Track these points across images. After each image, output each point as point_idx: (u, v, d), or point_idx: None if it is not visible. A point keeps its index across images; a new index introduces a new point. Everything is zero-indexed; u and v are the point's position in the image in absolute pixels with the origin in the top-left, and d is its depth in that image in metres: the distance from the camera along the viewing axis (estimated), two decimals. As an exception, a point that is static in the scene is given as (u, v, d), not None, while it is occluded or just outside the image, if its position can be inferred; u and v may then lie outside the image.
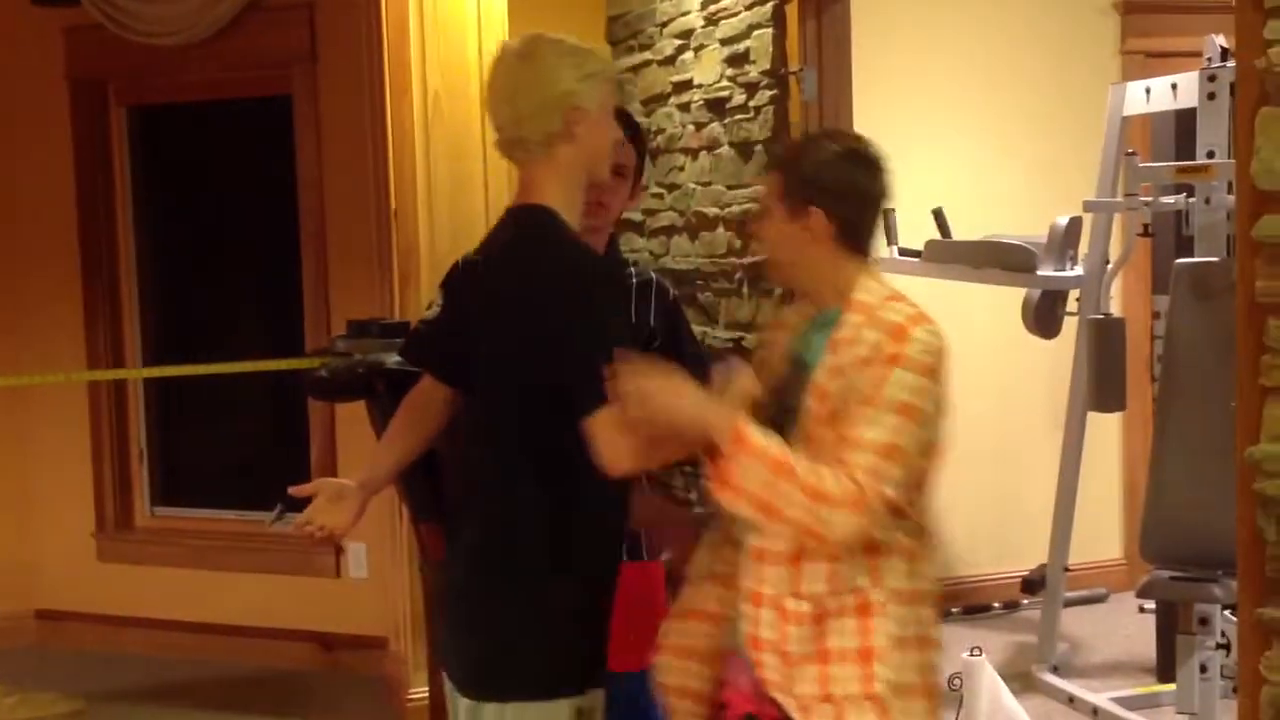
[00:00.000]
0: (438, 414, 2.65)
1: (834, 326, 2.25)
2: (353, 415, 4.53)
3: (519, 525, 2.33)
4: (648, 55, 5.23)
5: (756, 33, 4.36)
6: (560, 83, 2.27)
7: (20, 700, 2.66)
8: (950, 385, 2.20)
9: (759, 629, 2.25)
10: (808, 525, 2.11)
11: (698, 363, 3.07)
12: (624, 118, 3.06)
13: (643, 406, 2.14)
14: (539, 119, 2.28)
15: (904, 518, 2.19)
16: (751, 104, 4.42)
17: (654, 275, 3.10)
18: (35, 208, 5.61)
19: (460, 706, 2.41)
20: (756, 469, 2.10)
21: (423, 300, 4.46)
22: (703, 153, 4.81)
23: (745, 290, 4.56)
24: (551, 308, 2.24)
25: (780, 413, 2.26)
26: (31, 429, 5.65)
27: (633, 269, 3.08)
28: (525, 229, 2.35)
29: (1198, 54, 4.27)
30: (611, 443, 2.20)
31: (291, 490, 2.81)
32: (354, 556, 5.23)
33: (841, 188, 2.26)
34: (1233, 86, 3.74)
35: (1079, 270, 4.66)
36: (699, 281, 4.88)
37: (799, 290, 2.40)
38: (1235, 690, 2.78)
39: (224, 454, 5.87)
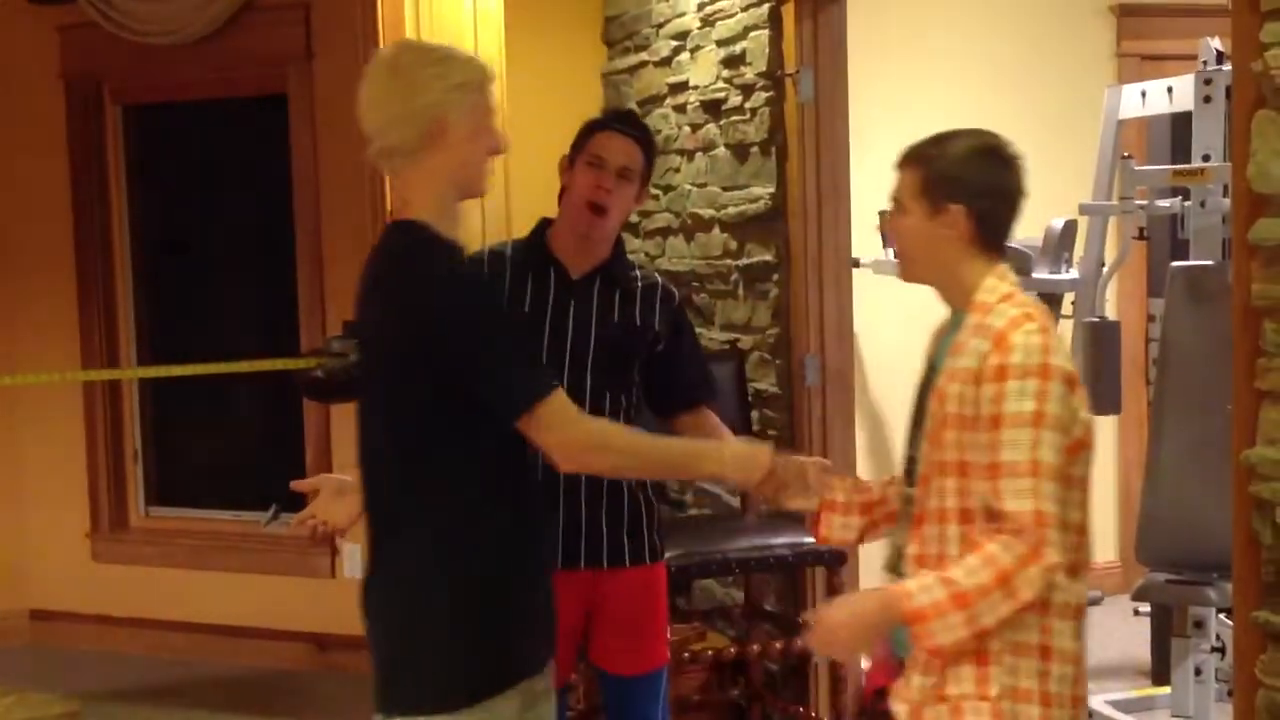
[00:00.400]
0: None
1: (960, 329, 2.27)
2: (348, 416, 4.50)
3: (398, 536, 2.32)
4: (644, 56, 5.23)
5: (753, 34, 4.36)
6: (426, 93, 2.25)
7: (17, 701, 2.65)
8: (1071, 370, 2.20)
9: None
10: (1015, 608, 2.14)
11: (699, 368, 3.07)
12: (630, 120, 3.06)
13: (837, 643, 2.21)
14: (404, 129, 2.26)
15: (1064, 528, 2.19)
16: (748, 105, 4.43)
17: (659, 279, 3.09)
18: (30, 206, 5.60)
19: None
20: (948, 621, 2.12)
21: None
22: (699, 154, 4.81)
23: (741, 292, 4.56)
24: (434, 326, 2.22)
25: (918, 415, 2.34)
26: (26, 429, 5.64)
27: (638, 272, 3.08)
28: (395, 248, 2.34)
29: (1193, 57, 4.27)
30: (563, 433, 2.25)
31: (293, 485, 2.82)
32: (349, 557, 5.22)
33: (982, 184, 2.26)
34: (1228, 90, 3.73)
35: (1074, 273, 4.66)
36: (694, 283, 4.88)
37: (935, 290, 2.39)
38: (1230, 694, 2.78)
39: (219, 454, 5.86)
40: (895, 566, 2.42)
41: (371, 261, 2.38)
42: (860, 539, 2.54)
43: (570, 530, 2.93)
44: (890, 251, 5.18)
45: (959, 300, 2.29)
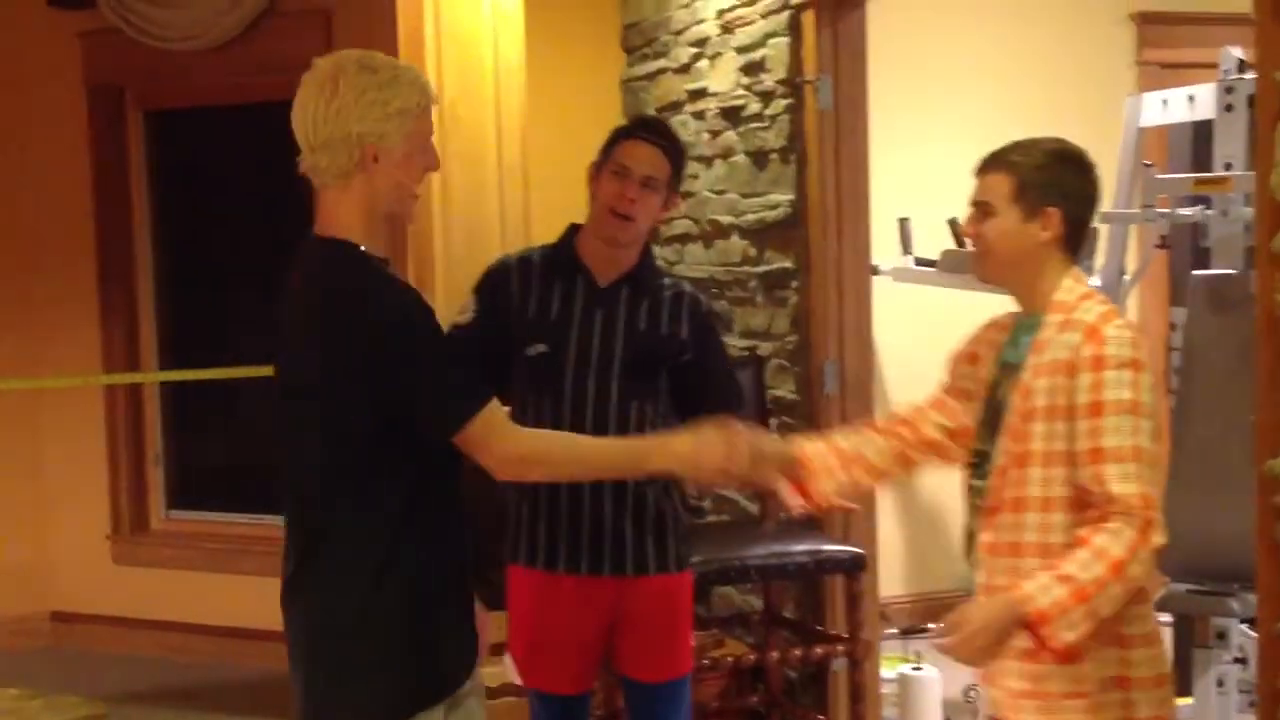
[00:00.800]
0: None
1: (1038, 328, 2.35)
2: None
3: (320, 554, 2.31)
4: (663, 63, 5.23)
5: (772, 41, 4.36)
6: (358, 121, 2.21)
7: (44, 704, 2.67)
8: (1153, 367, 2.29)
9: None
10: (1130, 590, 2.22)
11: (724, 378, 3.07)
12: (656, 128, 3.05)
13: (974, 652, 2.23)
14: (333, 153, 2.24)
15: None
16: (767, 112, 4.43)
17: (688, 288, 3.10)
18: (53, 212, 5.63)
19: None
20: (1071, 618, 2.18)
21: (438, 307, 4.46)
22: (718, 161, 4.81)
23: (759, 299, 4.56)
24: (366, 345, 2.21)
25: (991, 411, 2.41)
26: (47, 432, 5.67)
27: (667, 280, 3.08)
28: (326, 267, 2.33)
29: (1214, 65, 4.25)
30: (498, 447, 2.24)
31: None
32: (367, 562, 5.24)
33: (1074, 188, 2.37)
34: (1250, 98, 3.73)
35: (1095, 282, 4.63)
36: (713, 290, 4.88)
37: (1011, 291, 2.45)
38: (1253, 705, 2.77)
39: (239, 458, 5.88)
40: (969, 555, 2.47)
41: (299, 278, 2.37)
42: (848, 493, 2.60)
43: (594, 538, 2.94)
44: (911, 259, 5.18)
45: (1036, 302, 2.38)
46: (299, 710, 2.36)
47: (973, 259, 2.49)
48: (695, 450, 2.36)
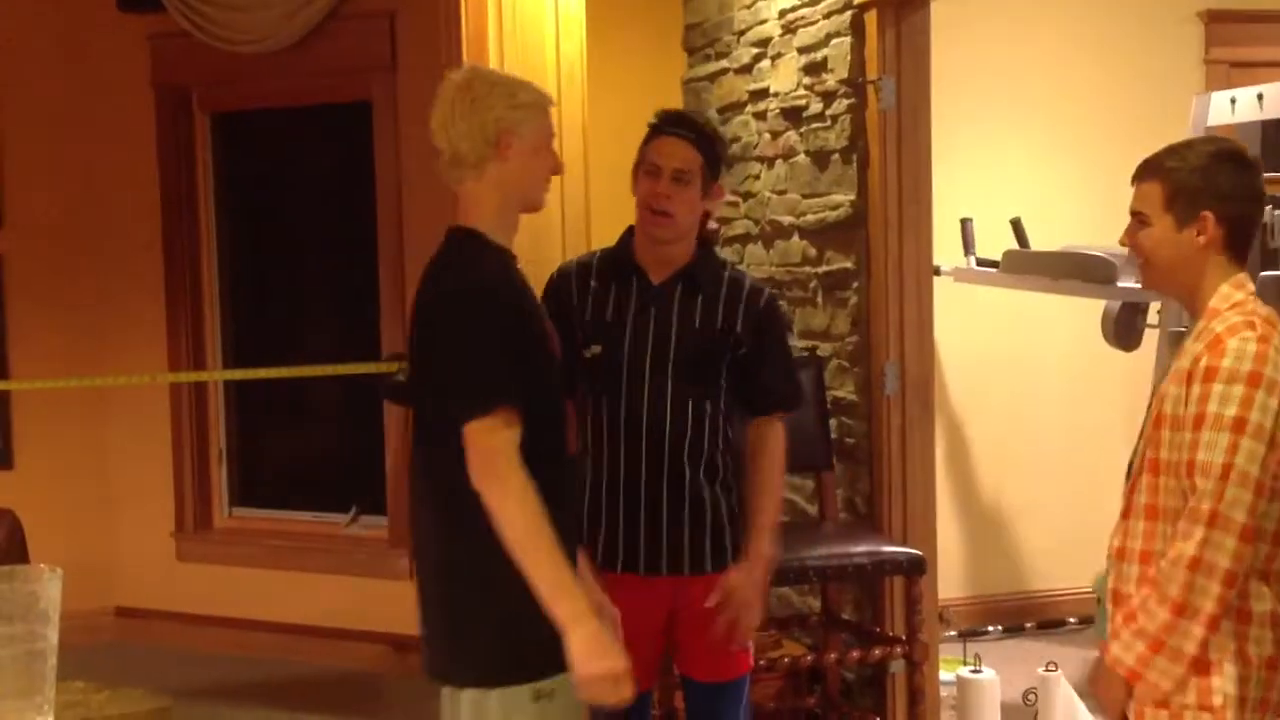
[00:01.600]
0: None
1: (1193, 335, 2.32)
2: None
3: (462, 519, 2.37)
4: (725, 63, 5.23)
5: (835, 41, 4.35)
6: (492, 109, 2.47)
7: (110, 697, 2.71)
8: None
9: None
10: (1210, 620, 2.19)
11: (779, 373, 3.05)
12: (682, 121, 3.01)
13: (1110, 708, 2.30)
14: (472, 139, 2.48)
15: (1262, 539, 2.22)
16: (829, 113, 4.41)
17: (748, 281, 3.06)
18: (120, 212, 5.71)
19: (443, 695, 2.50)
20: (1157, 667, 2.21)
21: (499, 306, 4.48)
22: (778, 161, 4.80)
23: (820, 299, 4.54)
24: (427, 326, 2.45)
25: (1147, 417, 2.40)
26: (113, 429, 5.75)
27: (728, 273, 3.06)
28: (442, 251, 2.55)
29: (1284, 63, 4.21)
30: (481, 455, 2.31)
31: None
32: (428, 560, 5.27)
33: (1229, 190, 2.29)
34: (1321, 97, 3.69)
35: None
36: (773, 290, 4.87)
37: (1176, 298, 2.47)
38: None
39: (301, 456, 5.94)
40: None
41: (426, 265, 2.57)
42: None
43: (651, 537, 2.94)
44: (972, 259, 5.15)
45: (1198, 307, 2.32)
46: (435, 665, 2.59)
47: (1138, 269, 2.48)
48: (600, 649, 2.30)
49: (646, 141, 2.99)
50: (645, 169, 2.95)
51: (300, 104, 5.63)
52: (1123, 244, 2.44)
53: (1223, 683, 2.22)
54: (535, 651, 2.36)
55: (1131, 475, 2.36)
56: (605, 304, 2.97)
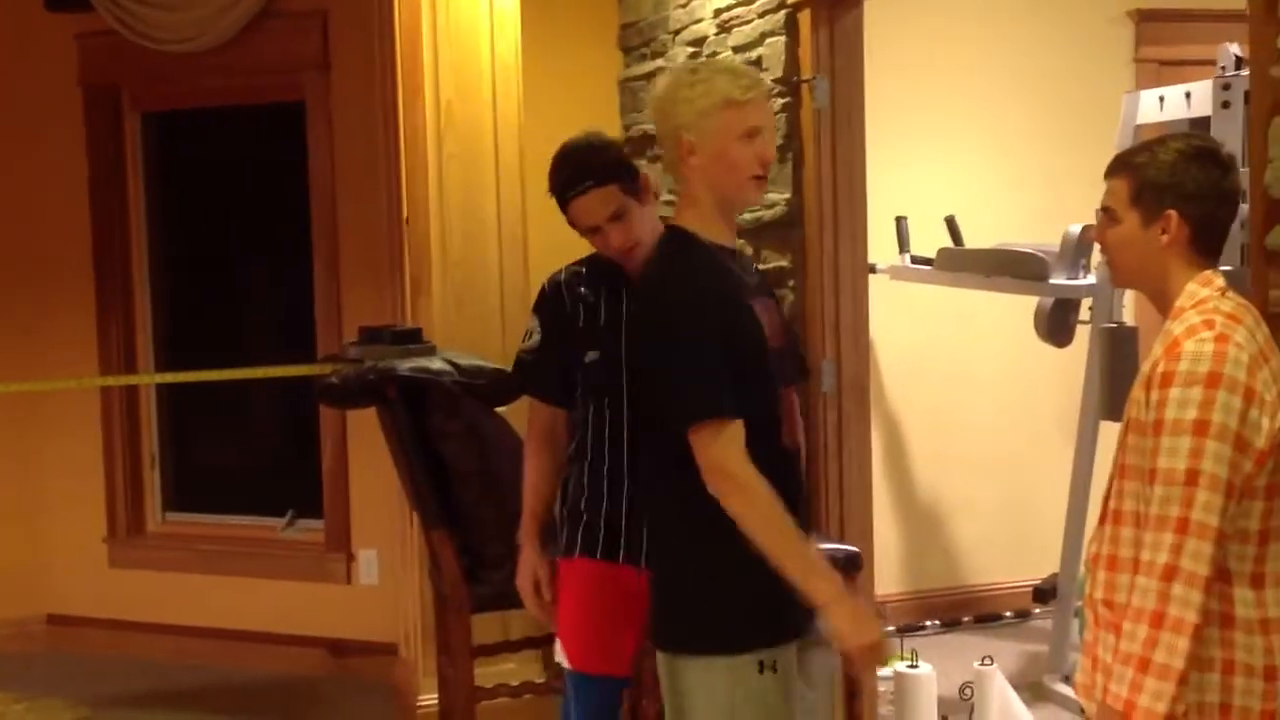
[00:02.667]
0: (564, 436, 3.09)
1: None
2: (364, 421, 4.53)
3: (696, 501, 2.48)
4: (660, 63, 5.23)
5: (769, 40, 4.36)
6: (674, 118, 2.55)
7: (28, 707, 2.67)
8: (1248, 381, 2.12)
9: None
10: (1190, 632, 2.11)
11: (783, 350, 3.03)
12: (582, 173, 2.94)
13: None
14: (665, 147, 2.62)
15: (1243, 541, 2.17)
16: (764, 112, 4.42)
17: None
18: (49, 213, 5.63)
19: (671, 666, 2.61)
20: (1149, 690, 2.11)
21: (435, 304, 4.46)
22: (715, 160, 4.80)
23: (757, 298, 4.55)
24: (646, 327, 2.57)
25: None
26: (44, 434, 5.67)
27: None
28: (657, 249, 2.66)
29: (1211, 62, 4.25)
30: (718, 452, 2.42)
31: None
32: (365, 563, 5.24)
33: (1196, 188, 2.23)
34: (1247, 95, 3.73)
35: (1091, 278, 4.64)
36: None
37: (1147, 296, 2.37)
38: None
39: (236, 460, 5.88)
40: None
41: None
42: None
43: (611, 526, 3.00)
44: (907, 257, 5.17)
45: (1166, 306, 2.27)
46: (663, 636, 2.69)
47: (1106, 266, 2.45)
48: (860, 620, 2.48)
49: (564, 209, 2.99)
50: (582, 231, 3.00)
51: (233, 103, 5.58)
52: (1093, 239, 2.41)
53: (1201, 694, 2.15)
54: (760, 624, 2.52)
55: (1108, 481, 2.32)
56: (598, 310, 3.03)
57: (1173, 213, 2.22)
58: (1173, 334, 2.19)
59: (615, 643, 3.06)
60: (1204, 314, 2.18)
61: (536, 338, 3.11)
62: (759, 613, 2.53)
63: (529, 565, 3.10)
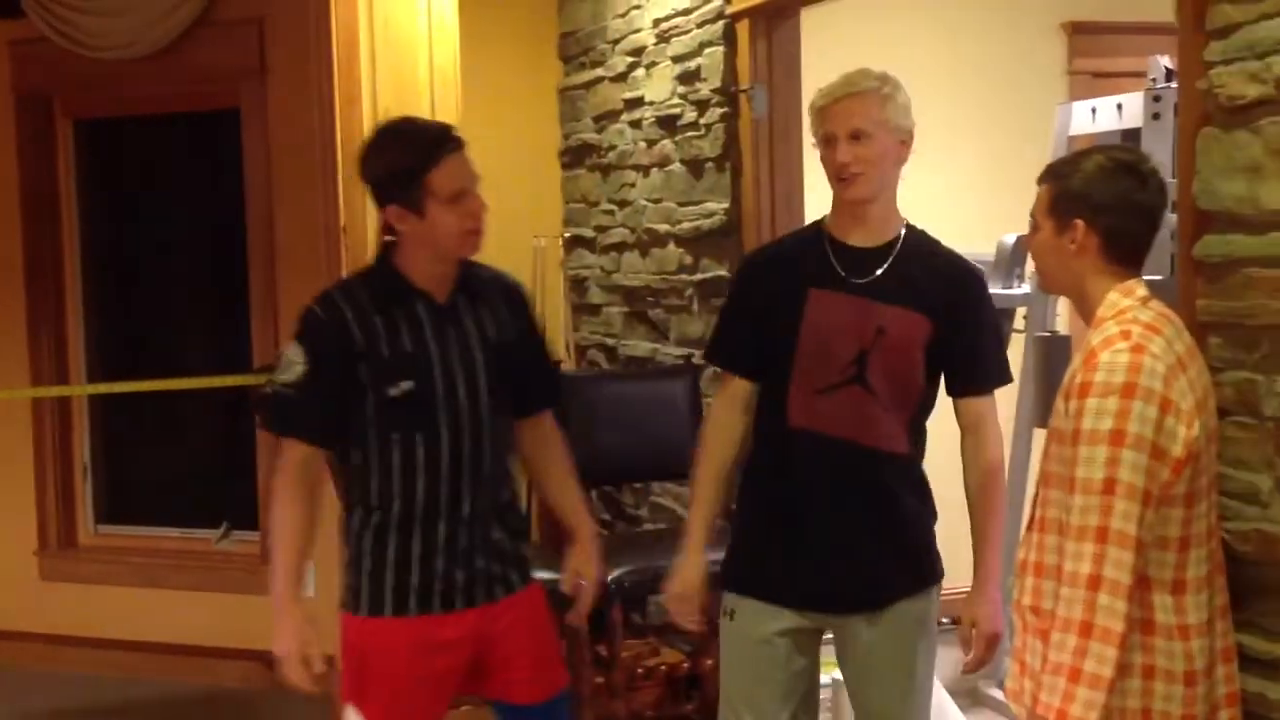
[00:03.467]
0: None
1: None
2: (300, 432, 4.49)
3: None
4: (600, 72, 5.24)
5: (708, 50, 4.38)
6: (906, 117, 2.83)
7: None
8: (1163, 391, 2.14)
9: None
10: (1117, 639, 2.12)
11: (542, 372, 3.00)
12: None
13: None
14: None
15: (1164, 548, 2.18)
16: (703, 121, 4.44)
17: (507, 278, 2.93)
18: (-21, 221, 5.55)
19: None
20: (1080, 699, 2.11)
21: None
22: (654, 169, 4.82)
23: (695, 306, 4.56)
24: None
25: None
26: (-27, 446, 5.58)
27: (485, 274, 2.87)
28: None
29: (1143, 74, 4.31)
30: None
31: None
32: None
33: (1106, 199, 2.26)
34: (1177, 107, 3.79)
35: (1026, 288, 4.69)
36: (649, 298, 4.89)
37: (1073, 304, 2.41)
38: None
39: (170, 471, 5.81)
40: None
41: None
42: None
43: (449, 572, 2.78)
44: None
45: (1088, 315, 2.31)
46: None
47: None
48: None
49: (421, 177, 2.65)
50: (450, 197, 2.67)
51: (167, 111, 5.51)
52: (1023, 245, 2.46)
53: (1123, 699, 2.17)
54: (729, 570, 2.96)
55: (1035, 488, 2.36)
56: (399, 334, 2.71)
57: (1080, 222, 2.27)
58: (1091, 344, 2.22)
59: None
60: (1122, 324, 2.21)
61: (301, 369, 2.71)
62: (730, 560, 2.94)
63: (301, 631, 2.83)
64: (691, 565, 2.94)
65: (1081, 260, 2.28)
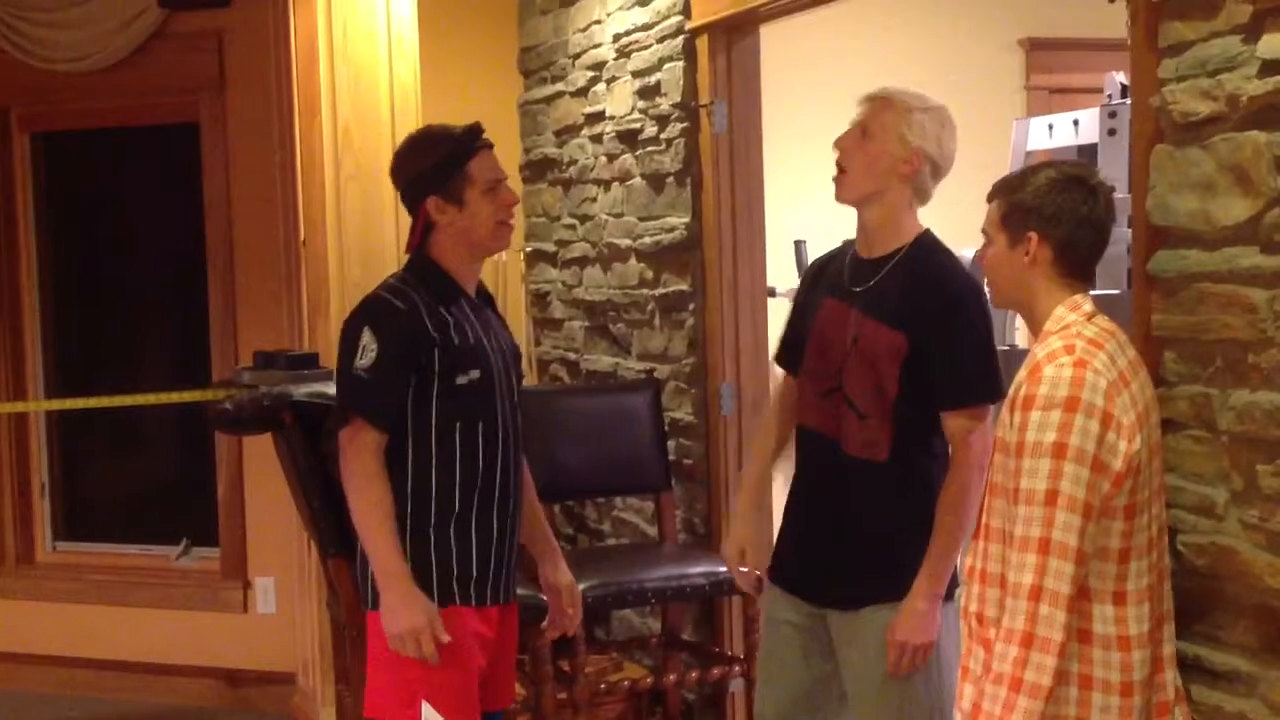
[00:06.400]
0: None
1: None
2: (260, 448, 4.47)
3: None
4: (560, 86, 5.24)
5: (668, 66, 4.38)
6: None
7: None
8: (1105, 406, 2.15)
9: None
10: (1057, 648, 2.15)
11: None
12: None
13: None
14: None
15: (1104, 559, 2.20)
16: (663, 136, 4.44)
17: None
18: (-66, 236, 5.49)
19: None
20: (1020, 708, 2.14)
21: (333, 330, 4.41)
22: (615, 184, 4.82)
23: (657, 321, 4.56)
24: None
25: None
26: (-72, 462, 5.51)
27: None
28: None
29: (1100, 90, 4.36)
30: None
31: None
32: (262, 592, 5.15)
33: (1056, 212, 2.28)
34: (1132, 123, 3.83)
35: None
36: (611, 312, 4.88)
37: (1023, 318, 2.43)
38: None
39: (128, 487, 5.76)
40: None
41: None
42: None
43: (499, 565, 2.88)
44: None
45: (1037, 328, 2.33)
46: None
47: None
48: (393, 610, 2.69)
49: (462, 163, 2.84)
50: (484, 189, 2.84)
51: (126, 124, 5.48)
52: (977, 261, 2.47)
53: (1058, 708, 2.18)
54: None
55: (983, 497, 2.38)
56: (464, 327, 2.81)
57: (1033, 235, 2.29)
58: (1035, 357, 2.24)
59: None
60: (1066, 339, 2.24)
61: (374, 354, 2.77)
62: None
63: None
64: (737, 524, 3.14)
65: (1033, 273, 2.31)
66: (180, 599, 5.27)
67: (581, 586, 3.97)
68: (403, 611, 2.69)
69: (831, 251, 3.12)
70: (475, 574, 2.82)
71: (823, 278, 2.99)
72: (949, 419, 2.75)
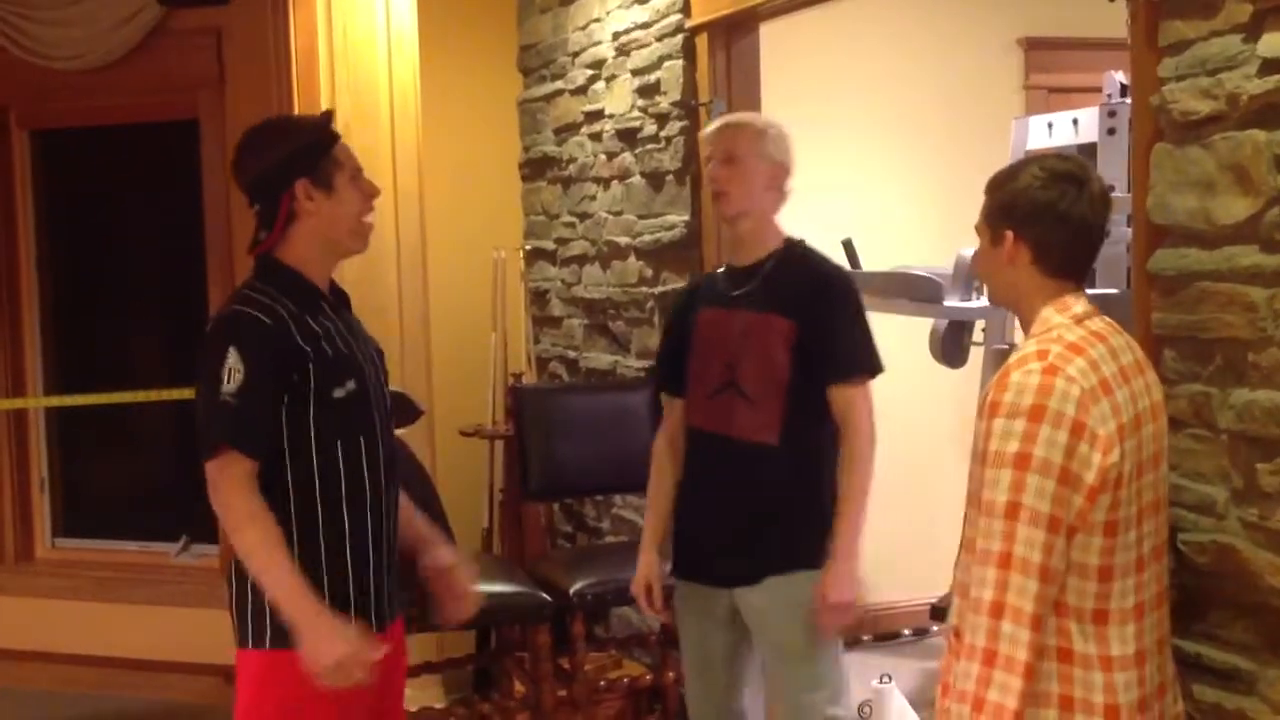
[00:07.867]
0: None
1: None
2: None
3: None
4: (560, 85, 5.24)
5: (667, 64, 4.39)
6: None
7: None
8: (1074, 414, 2.03)
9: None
10: (1023, 669, 2.03)
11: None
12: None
13: None
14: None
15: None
16: (662, 134, 4.45)
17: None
18: (-67, 233, 5.49)
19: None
20: (1001, 693, 2.03)
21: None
22: (614, 182, 4.82)
23: (656, 319, 4.57)
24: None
25: None
26: (-73, 459, 5.52)
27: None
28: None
29: (1099, 89, 4.36)
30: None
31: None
32: (260, 588, 5.16)
33: (1032, 210, 2.19)
34: (1131, 122, 3.83)
35: (983, 300, 4.72)
36: (610, 310, 4.89)
37: (1017, 317, 2.33)
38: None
39: (128, 484, 5.77)
40: None
41: None
42: None
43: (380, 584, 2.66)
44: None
45: (1026, 329, 2.24)
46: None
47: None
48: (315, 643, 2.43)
49: (322, 155, 2.60)
50: (349, 177, 2.62)
51: (125, 121, 5.48)
52: (973, 260, 2.40)
53: None
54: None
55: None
56: (333, 336, 2.58)
57: (1009, 233, 2.20)
58: (1007, 363, 2.14)
59: None
60: (1041, 344, 2.13)
61: (240, 378, 2.47)
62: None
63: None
64: (641, 563, 3.28)
65: (1015, 272, 2.22)
66: (179, 596, 5.27)
67: (581, 584, 3.99)
68: (327, 643, 2.43)
69: (693, 280, 3.57)
70: (373, 593, 2.60)
71: (695, 299, 3.25)
72: (835, 393, 3.02)
